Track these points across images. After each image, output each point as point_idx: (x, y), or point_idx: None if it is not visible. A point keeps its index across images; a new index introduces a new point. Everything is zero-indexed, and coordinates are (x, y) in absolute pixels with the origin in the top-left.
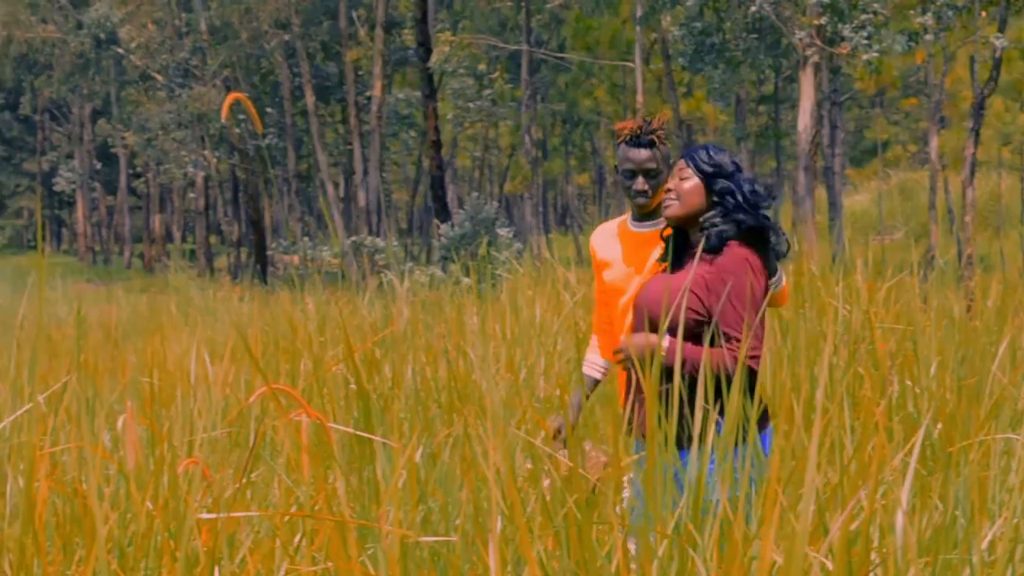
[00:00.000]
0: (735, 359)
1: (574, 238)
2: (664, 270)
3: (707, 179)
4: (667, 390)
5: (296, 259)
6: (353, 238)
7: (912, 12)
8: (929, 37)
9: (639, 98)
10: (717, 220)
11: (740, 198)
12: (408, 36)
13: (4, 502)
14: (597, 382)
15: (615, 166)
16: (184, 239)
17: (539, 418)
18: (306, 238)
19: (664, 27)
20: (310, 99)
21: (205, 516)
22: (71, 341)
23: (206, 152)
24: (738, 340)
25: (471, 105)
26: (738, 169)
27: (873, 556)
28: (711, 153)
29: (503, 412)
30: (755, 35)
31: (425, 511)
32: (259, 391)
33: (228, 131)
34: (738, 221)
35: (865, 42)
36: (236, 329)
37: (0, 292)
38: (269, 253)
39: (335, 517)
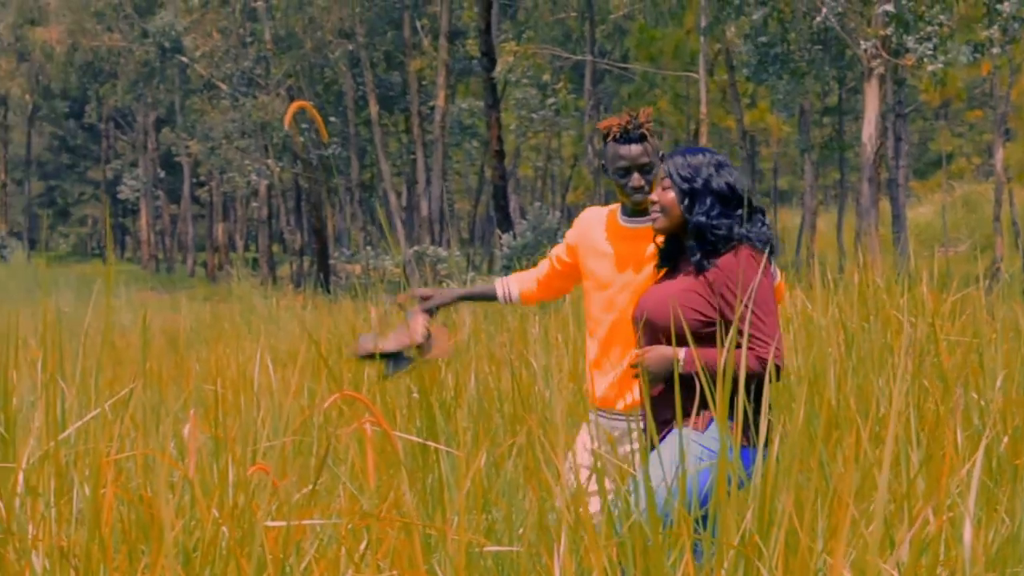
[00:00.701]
0: (760, 360)
1: None
2: (660, 278)
3: (681, 191)
4: (698, 391)
5: (358, 268)
6: (415, 247)
7: (978, 24)
8: (995, 50)
9: (703, 109)
10: (693, 244)
11: (711, 214)
12: (472, 46)
13: (70, 508)
14: (492, 299)
15: (602, 166)
16: (247, 248)
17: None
18: (368, 247)
19: (728, 38)
20: (374, 109)
21: (273, 524)
22: (135, 349)
23: (269, 161)
24: (761, 340)
25: (534, 115)
26: (719, 168)
27: (940, 570)
28: (687, 159)
29: (566, 421)
30: (820, 46)
31: (489, 520)
32: (333, 397)
33: (291, 140)
34: (714, 239)
35: (930, 53)
36: (309, 337)
37: (65, 300)
38: (331, 262)
39: (405, 519)
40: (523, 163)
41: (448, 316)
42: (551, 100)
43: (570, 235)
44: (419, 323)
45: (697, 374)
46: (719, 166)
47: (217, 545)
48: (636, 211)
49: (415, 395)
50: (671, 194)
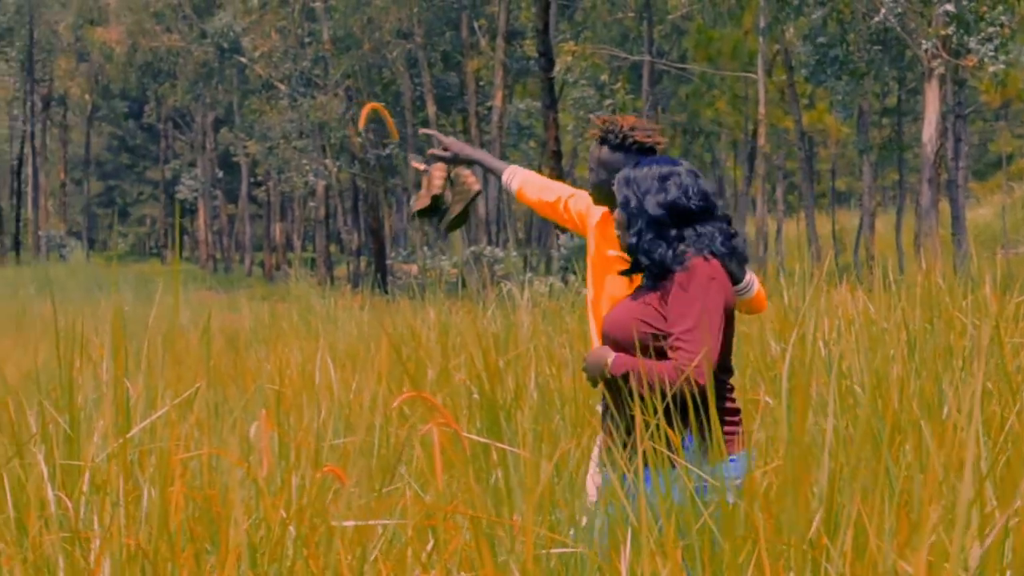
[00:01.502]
0: (677, 371)
1: None
2: (635, 290)
3: (620, 212)
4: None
5: (415, 268)
6: (472, 248)
7: None
8: None
9: (761, 110)
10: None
11: (644, 238)
12: (529, 46)
13: (138, 507)
14: (496, 175)
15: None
16: (304, 248)
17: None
18: (425, 247)
19: (787, 38)
20: (431, 109)
21: (343, 523)
22: (195, 348)
23: (327, 161)
24: (685, 351)
25: (592, 115)
26: (662, 182)
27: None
28: (630, 173)
29: None
30: (879, 47)
31: (552, 521)
32: (402, 397)
33: (349, 140)
34: (648, 263)
35: (991, 54)
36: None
37: (124, 299)
38: (388, 262)
39: (476, 516)
40: (580, 163)
41: (507, 318)
42: (609, 100)
43: (584, 203)
44: (436, 174)
45: (625, 379)
46: (662, 181)
47: (284, 545)
48: None
49: (476, 396)
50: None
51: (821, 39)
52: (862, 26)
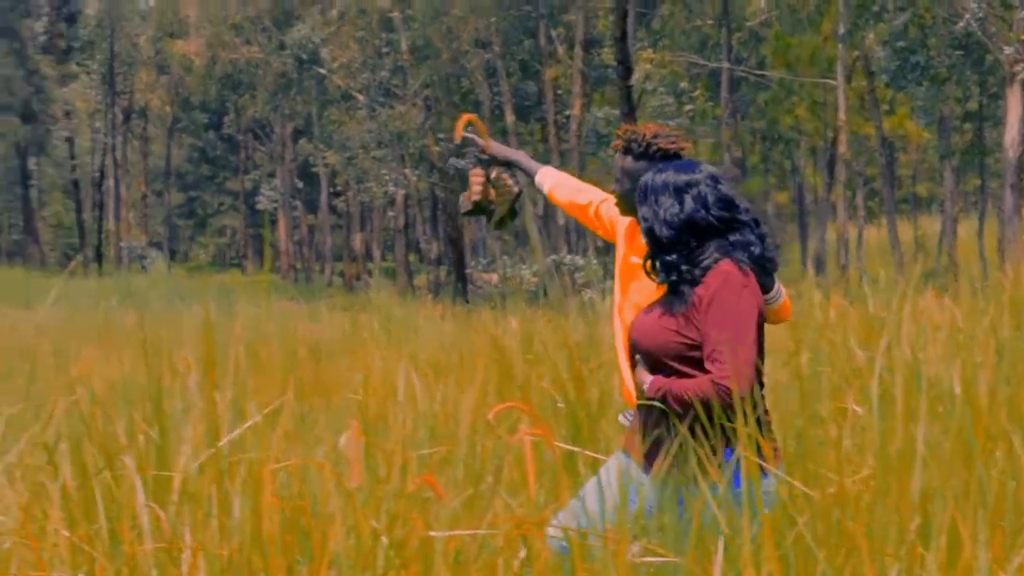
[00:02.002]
0: (714, 386)
1: None
2: (661, 297)
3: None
4: (673, 419)
5: (495, 277)
6: (552, 256)
7: None
8: None
9: (841, 116)
10: (665, 272)
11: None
12: (607, 54)
13: (229, 518)
14: (529, 174)
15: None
16: (384, 257)
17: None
18: (505, 256)
19: (867, 44)
20: (510, 118)
21: (437, 533)
22: (277, 358)
23: (406, 171)
24: (721, 363)
25: (670, 123)
26: (679, 193)
27: None
28: (647, 181)
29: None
30: (960, 51)
31: (637, 529)
32: (499, 407)
33: (428, 150)
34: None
35: None
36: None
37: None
38: (468, 271)
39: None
40: None
41: (589, 326)
42: (687, 108)
43: (615, 210)
44: (475, 180)
45: (663, 400)
46: (679, 192)
47: (376, 555)
48: None
49: (560, 405)
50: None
51: (901, 44)
52: (943, 31)
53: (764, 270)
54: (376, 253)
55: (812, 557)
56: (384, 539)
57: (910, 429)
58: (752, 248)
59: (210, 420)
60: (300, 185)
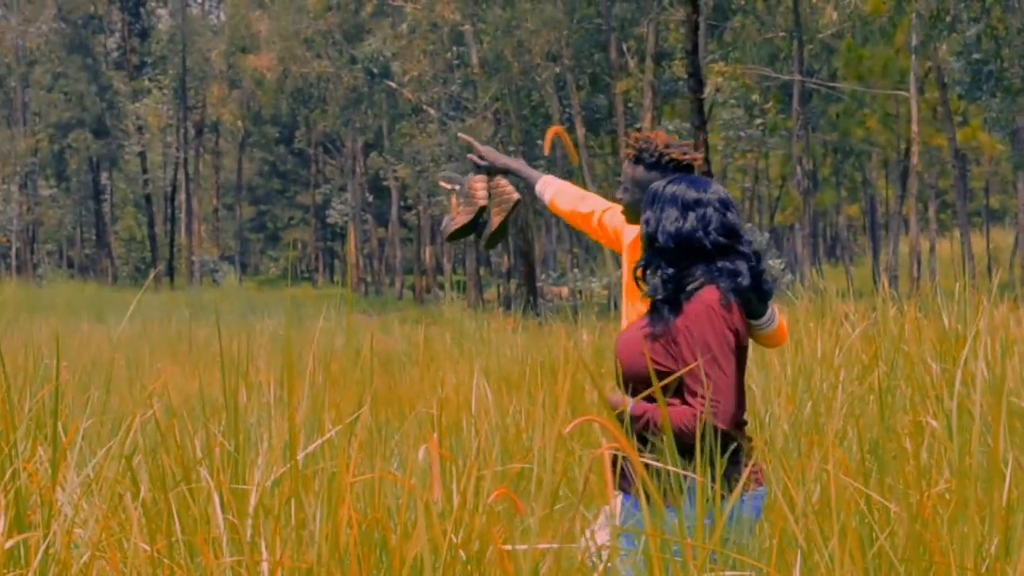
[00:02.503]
0: (695, 420)
1: (845, 269)
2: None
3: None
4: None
5: (565, 290)
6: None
7: None
8: None
9: (914, 128)
10: (656, 284)
11: (649, 267)
12: (678, 67)
13: (305, 531)
14: (530, 183)
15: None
16: (454, 270)
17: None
18: (575, 269)
19: (940, 56)
20: (580, 131)
21: (516, 548)
22: (349, 371)
23: None
24: (702, 399)
25: (741, 135)
26: (685, 210)
27: None
28: (664, 189)
29: (788, 444)
30: None
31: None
32: (577, 420)
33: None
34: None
35: None
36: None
37: (280, 323)
38: (539, 284)
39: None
40: (729, 184)
41: None
42: (758, 120)
43: (620, 219)
44: (478, 186)
45: (645, 428)
46: (686, 208)
47: (454, 569)
48: None
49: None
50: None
51: (975, 56)
52: (1017, 41)
53: (760, 297)
54: (446, 266)
55: (894, 571)
56: (462, 553)
57: (989, 443)
58: (739, 279)
59: (291, 432)
60: (370, 199)
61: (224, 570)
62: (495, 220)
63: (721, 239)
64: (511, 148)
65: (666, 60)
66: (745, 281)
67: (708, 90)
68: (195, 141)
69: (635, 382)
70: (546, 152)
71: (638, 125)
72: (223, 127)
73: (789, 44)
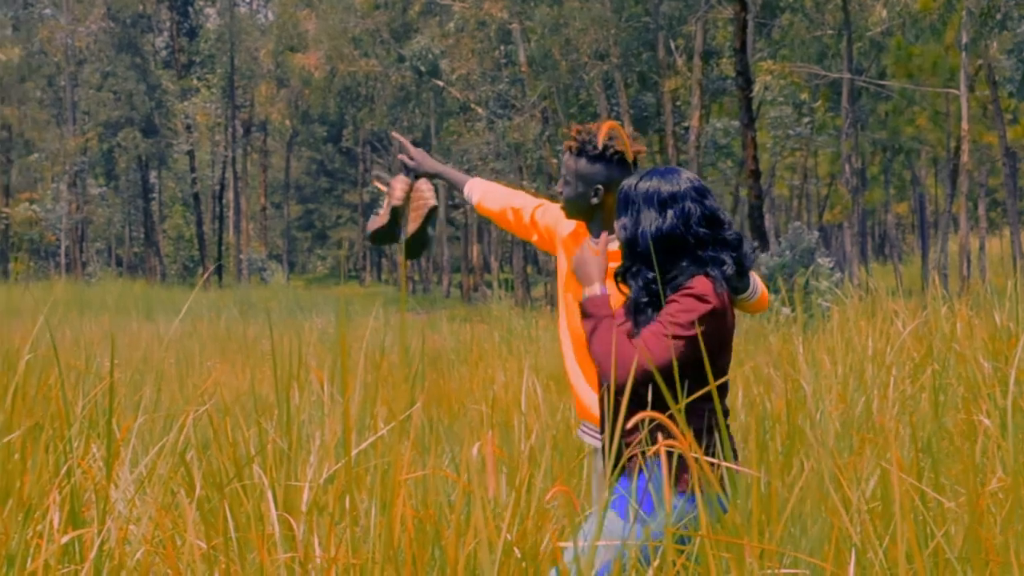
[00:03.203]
0: (633, 349)
1: (894, 268)
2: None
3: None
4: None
5: None
6: None
7: None
8: None
9: (964, 126)
10: (631, 283)
11: (631, 271)
12: (726, 65)
13: (357, 528)
14: (458, 186)
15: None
16: (501, 268)
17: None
18: None
19: (991, 53)
20: (628, 129)
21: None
22: (398, 369)
23: (524, 182)
24: (652, 335)
25: (790, 133)
26: (662, 207)
27: None
28: (627, 193)
29: (840, 443)
30: None
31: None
32: (636, 418)
33: (545, 161)
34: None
35: None
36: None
37: (328, 321)
38: None
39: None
40: (778, 182)
41: None
42: (807, 118)
43: (553, 216)
44: (397, 187)
45: (587, 317)
46: (663, 206)
47: (509, 566)
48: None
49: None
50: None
51: None
52: None
53: (738, 272)
54: (494, 264)
55: (950, 569)
56: (517, 551)
57: None
58: (725, 268)
59: (346, 429)
60: None
61: (278, 567)
62: (411, 226)
63: (703, 231)
64: (558, 147)
65: (714, 58)
66: (730, 270)
67: (756, 88)
68: (243, 140)
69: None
70: (599, 147)
71: (685, 123)
72: (271, 126)
73: (837, 42)
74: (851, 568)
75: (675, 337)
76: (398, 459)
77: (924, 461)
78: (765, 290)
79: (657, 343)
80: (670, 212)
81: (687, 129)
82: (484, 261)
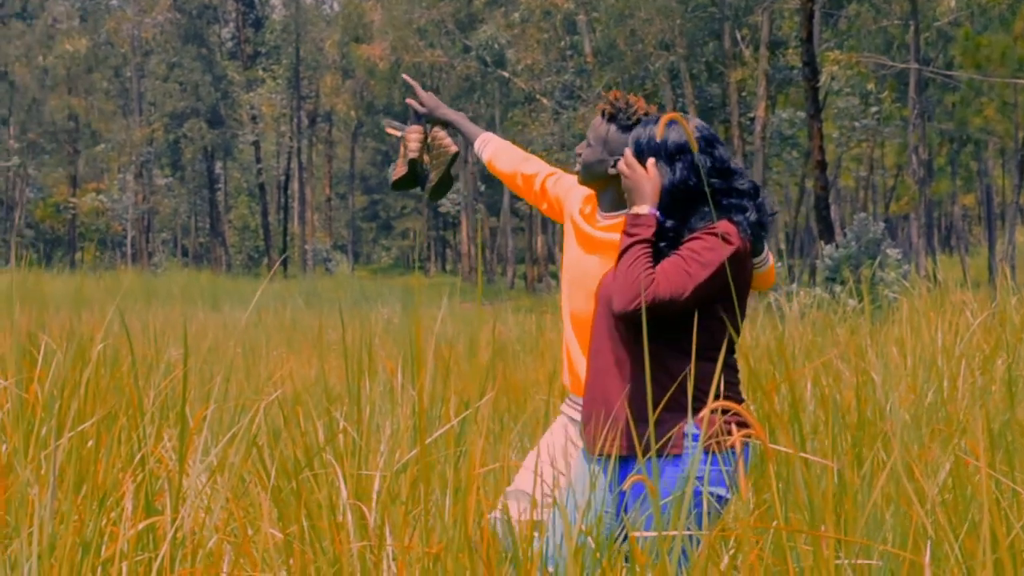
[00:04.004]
0: (649, 279)
1: (961, 259)
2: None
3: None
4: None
5: None
6: None
7: None
8: None
9: None
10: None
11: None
12: (792, 55)
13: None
14: (470, 140)
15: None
16: None
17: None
18: None
19: None
20: (694, 121)
21: (643, 534)
22: (463, 359)
23: None
24: (670, 270)
25: (856, 124)
26: (677, 153)
27: None
28: (639, 143)
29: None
30: None
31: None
32: (710, 405)
33: None
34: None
35: None
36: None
37: (394, 311)
38: None
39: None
40: (844, 173)
41: (776, 328)
42: (874, 109)
43: (565, 186)
44: (412, 137)
45: (628, 235)
46: (671, 157)
47: (582, 556)
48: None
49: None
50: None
51: None
52: None
53: (757, 236)
54: (558, 255)
55: None
56: (590, 540)
57: None
58: (748, 214)
59: (418, 418)
60: (482, 188)
61: (352, 556)
62: (433, 174)
63: (715, 181)
64: None
65: (780, 48)
66: (753, 216)
67: (823, 78)
68: (308, 130)
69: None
70: (658, 139)
71: (751, 113)
72: (336, 116)
73: (904, 32)
74: (927, 559)
75: (694, 272)
76: (473, 448)
77: (997, 453)
78: (773, 265)
79: (676, 274)
80: (678, 164)
81: (753, 120)
82: (548, 252)
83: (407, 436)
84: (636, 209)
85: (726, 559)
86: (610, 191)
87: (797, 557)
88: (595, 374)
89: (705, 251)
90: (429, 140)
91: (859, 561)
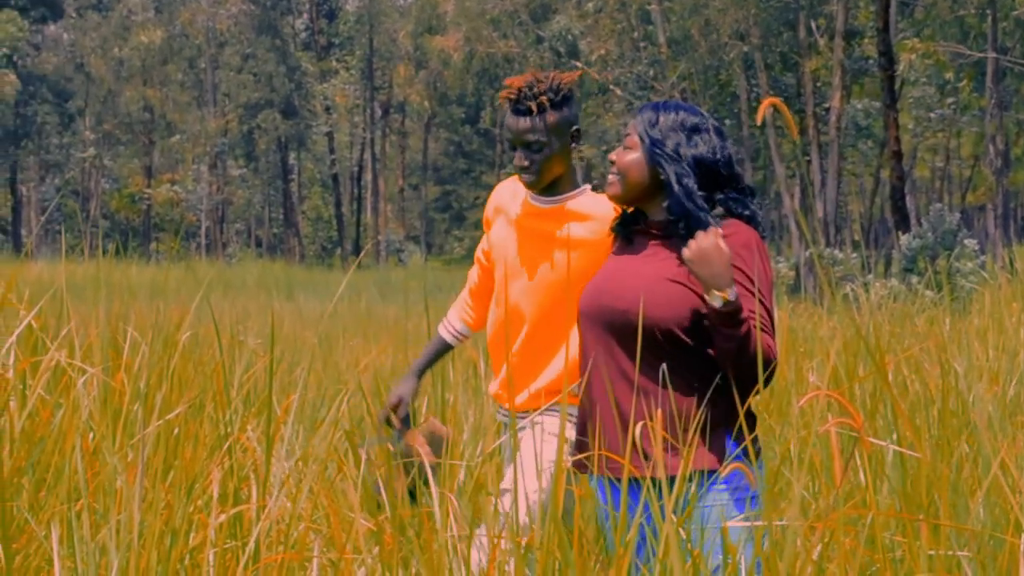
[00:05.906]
0: (770, 351)
1: None
2: (614, 253)
3: (651, 151)
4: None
5: None
6: (809, 249)
7: None
8: None
9: None
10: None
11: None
12: (868, 45)
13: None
14: (448, 348)
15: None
16: None
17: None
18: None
19: None
20: (768, 111)
21: (733, 524)
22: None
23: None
24: (767, 331)
25: (932, 114)
26: (693, 132)
27: None
28: (662, 114)
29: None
30: None
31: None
32: (810, 395)
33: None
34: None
35: None
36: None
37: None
38: None
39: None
40: (920, 163)
41: (853, 319)
42: (950, 99)
43: (487, 212)
44: (418, 441)
45: (730, 321)
46: (691, 133)
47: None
48: (542, 191)
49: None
50: (630, 156)
51: None
52: None
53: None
54: None
55: None
56: (682, 532)
57: None
58: (753, 210)
59: (509, 406)
60: None
61: (440, 545)
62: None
63: (728, 169)
64: None
65: (856, 38)
66: (759, 217)
67: (900, 68)
68: (381, 121)
69: (670, 335)
70: (758, 122)
71: (826, 104)
72: (409, 107)
73: (981, 21)
74: (1022, 548)
75: (769, 302)
76: (561, 437)
77: None
78: None
79: (767, 318)
80: (699, 138)
81: (828, 110)
82: None
83: (492, 426)
84: (726, 294)
85: (819, 548)
86: (572, 166)
87: (891, 546)
88: (602, 390)
89: (762, 280)
90: (427, 436)
91: (957, 553)
